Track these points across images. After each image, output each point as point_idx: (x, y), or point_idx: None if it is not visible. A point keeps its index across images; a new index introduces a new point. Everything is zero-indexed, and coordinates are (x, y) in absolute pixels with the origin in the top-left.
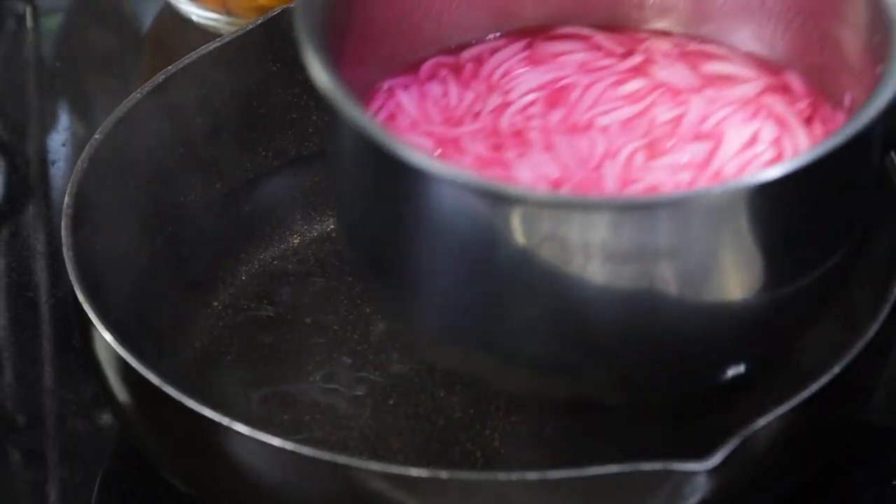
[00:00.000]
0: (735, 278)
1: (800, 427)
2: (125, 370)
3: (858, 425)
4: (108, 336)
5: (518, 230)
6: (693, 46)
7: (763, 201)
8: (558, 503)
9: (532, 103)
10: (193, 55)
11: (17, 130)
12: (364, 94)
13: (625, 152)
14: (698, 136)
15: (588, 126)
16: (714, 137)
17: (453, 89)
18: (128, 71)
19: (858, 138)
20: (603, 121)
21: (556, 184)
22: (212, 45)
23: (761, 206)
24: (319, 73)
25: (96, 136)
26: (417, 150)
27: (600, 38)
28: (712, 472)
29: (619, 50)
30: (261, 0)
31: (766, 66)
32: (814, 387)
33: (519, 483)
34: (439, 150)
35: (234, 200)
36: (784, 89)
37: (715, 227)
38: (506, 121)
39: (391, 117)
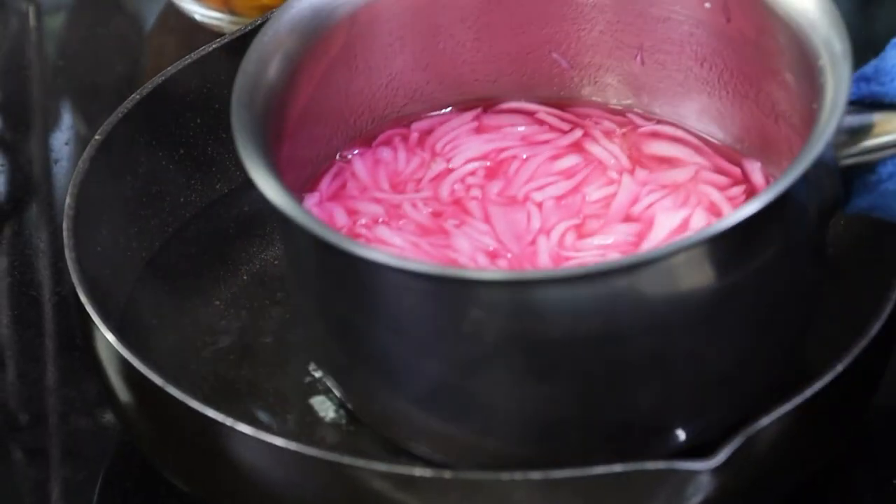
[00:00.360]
0: (679, 343)
1: (802, 426)
2: (127, 370)
3: (859, 425)
4: (109, 336)
5: (475, 310)
6: (647, 127)
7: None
8: (562, 502)
9: (472, 172)
10: (194, 55)
11: (21, 129)
12: (323, 161)
13: (558, 230)
14: (628, 218)
15: (524, 200)
16: (643, 221)
17: (401, 154)
18: (131, 70)
19: (771, 209)
20: (538, 196)
21: (493, 255)
22: (213, 45)
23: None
24: (262, 181)
25: (97, 136)
26: (364, 246)
27: (546, 114)
28: (715, 470)
29: (564, 126)
30: None
31: (715, 147)
32: (816, 385)
33: (522, 483)
34: (383, 218)
35: (234, 200)
36: (723, 172)
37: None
38: (446, 188)
39: (343, 185)
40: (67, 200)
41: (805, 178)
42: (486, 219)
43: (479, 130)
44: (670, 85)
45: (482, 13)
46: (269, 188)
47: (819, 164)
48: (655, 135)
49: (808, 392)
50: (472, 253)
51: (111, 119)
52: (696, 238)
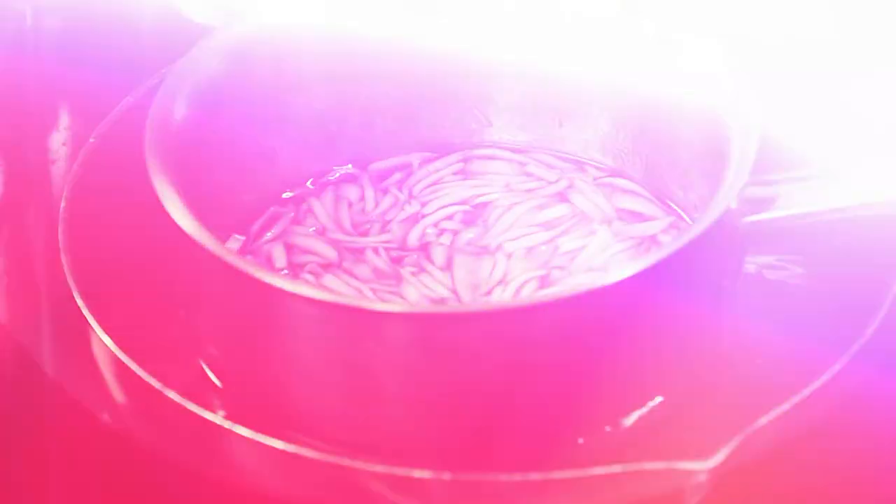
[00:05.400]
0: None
1: (800, 426)
2: (124, 372)
3: (855, 424)
4: (106, 339)
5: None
6: (603, 178)
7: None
8: (561, 503)
9: (449, 217)
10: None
11: (17, 129)
12: (267, 203)
13: (518, 280)
14: (590, 269)
15: (496, 249)
16: (602, 271)
17: (369, 193)
18: (128, 70)
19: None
20: (510, 246)
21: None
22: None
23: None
24: (182, 219)
25: (91, 140)
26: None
27: (535, 166)
28: (714, 470)
29: (550, 176)
30: None
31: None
32: (814, 385)
33: (522, 483)
34: (334, 262)
35: None
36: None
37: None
38: (416, 233)
39: (297, 221)
40: (62, 203)
41: (705, 238)
42: (448, 266)
43: (463, 173)
44: (587, 148)
45: (402, 62)
46: (177, 212)
47: (720, 227)
48: (624, 190)
49: (806, 392)
50: (417, 301)
51: (104, 123)
52: (574, 291)
